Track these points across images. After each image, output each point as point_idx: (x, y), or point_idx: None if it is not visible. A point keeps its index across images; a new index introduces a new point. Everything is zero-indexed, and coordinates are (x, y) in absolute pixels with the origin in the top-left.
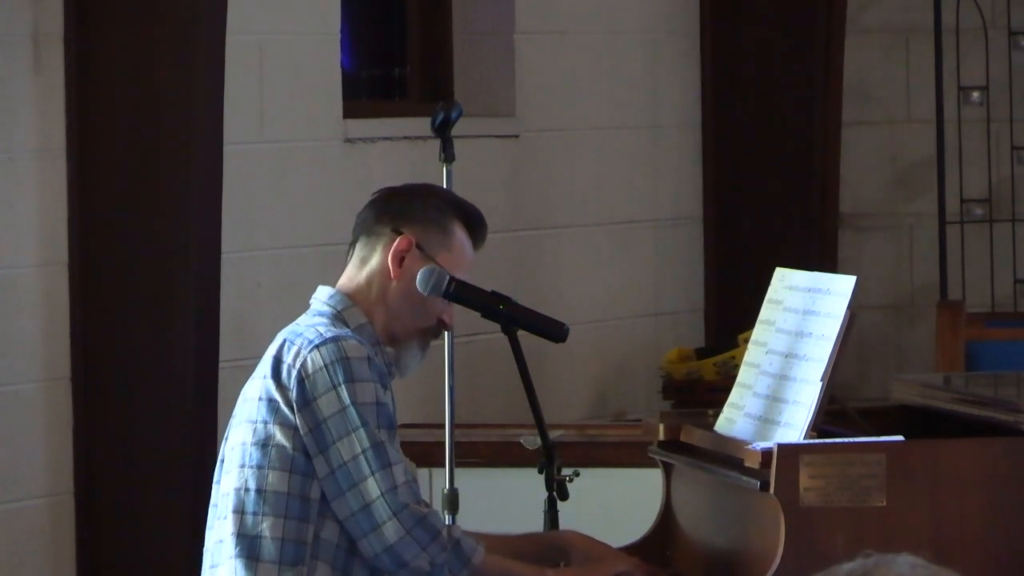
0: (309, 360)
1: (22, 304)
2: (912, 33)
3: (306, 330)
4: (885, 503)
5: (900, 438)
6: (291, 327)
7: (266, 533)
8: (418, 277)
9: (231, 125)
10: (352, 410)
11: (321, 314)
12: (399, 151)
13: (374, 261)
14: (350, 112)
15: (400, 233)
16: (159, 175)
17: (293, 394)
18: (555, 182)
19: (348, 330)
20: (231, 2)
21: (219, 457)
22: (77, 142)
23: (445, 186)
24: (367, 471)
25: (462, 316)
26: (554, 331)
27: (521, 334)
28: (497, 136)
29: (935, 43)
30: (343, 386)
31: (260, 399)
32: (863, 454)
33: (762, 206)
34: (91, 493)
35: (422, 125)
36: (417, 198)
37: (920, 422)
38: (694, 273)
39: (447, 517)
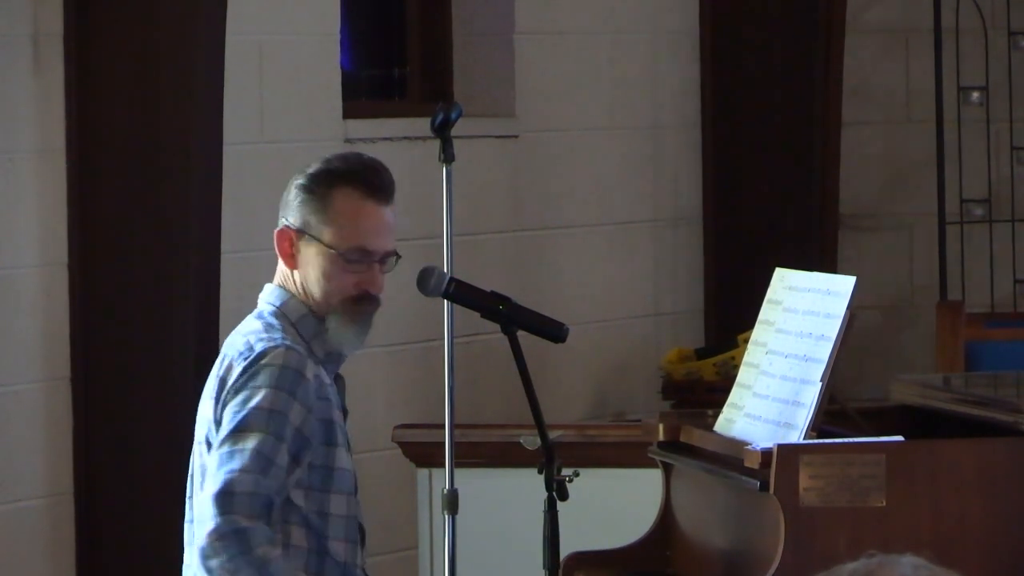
0: (235, 370)
1: (22, 304)
2: (912, 33)
3: (239, 340)
4: (885, 503)
5: (900, 438)
6: (230, 337)
7: None
8: (417, 277)
9: (231, 125)
10: (241, 414)
11: (260, 316)
12: (399, 151)
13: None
14: (350, 112)
15: (283, 223)
16: (159, 175)
17: (220, 402)
18: (555, 182)
19: (279, 335)
20: (231, 2)
21: (189, 471)
22: (77, 142)
23: (444, 187)
24: (216, 467)
25: (462, 316)
26: (554, 331)
27: (521, 334)
28: (497, 136)
29: (935, 43)
30: (246, 390)
31: (207, 419)
32: (863, 454)
33: (762, 206)
34: (91, 493)
35: (422, 125)
36: (295, 180)
37: (920, 422)
38: (694, 273)
39: (447, 518)
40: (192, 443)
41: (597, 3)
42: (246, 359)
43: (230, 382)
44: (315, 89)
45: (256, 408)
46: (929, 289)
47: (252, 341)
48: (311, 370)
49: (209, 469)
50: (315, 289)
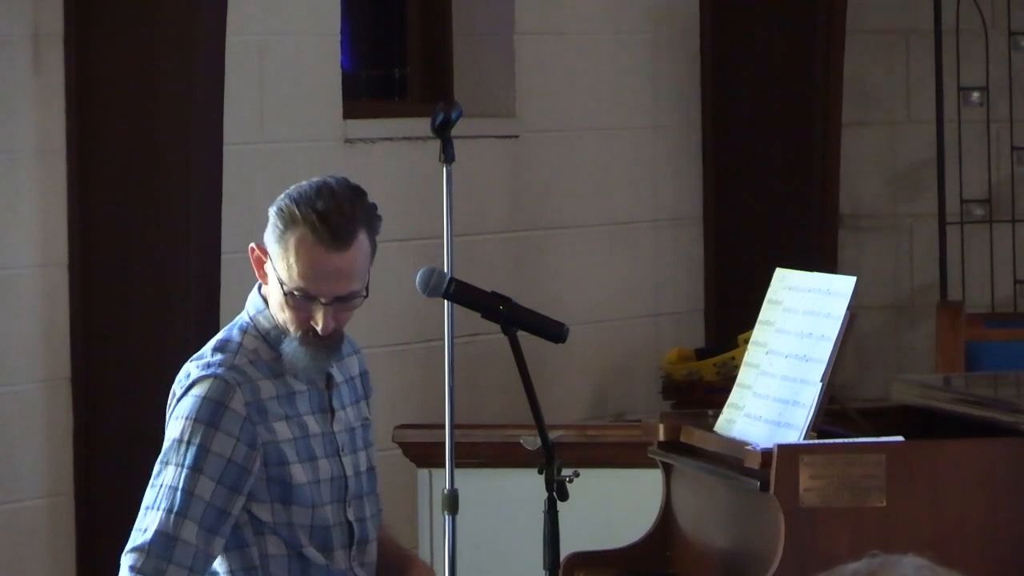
0: (175, 396)
1: (22, 304)
2: (912, 33)
3: (184, 368)
4: (885, 503)
5: (900, 439)
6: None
7: (218, 570)
8: (417, 277)
9: (231, 125)
10: (165, 447)
11: (228, 330)
12: (399, 151)
13: None
14: (350, 112)
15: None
16: (159, 175)
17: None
18: (555, 182)
19: (220, 358)
20: (231, 2)
21: None
22: (77, 142)
23: (445, 187)
24: (145, 502)
25: (463, 316)
26: (554, 331)
27: (521, 334)
28: (497, 136)
29: (935, 43)
30: (171, 423)
31: None
32: (863, 454)
33: (762, 206)
34: (91, 493)
35: (422, 125)
36: (276, 202)
37: (920, 422)
38: (694, 273)
39: (447, 518)
40: None
41: (597, 3)
42: (181, 386)
43: (169, 409)
44: (315, 89)
45: (174, 440)
46: (929, 289)
47: (191, 368)
48: (241, 399)
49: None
50: (275, 311)
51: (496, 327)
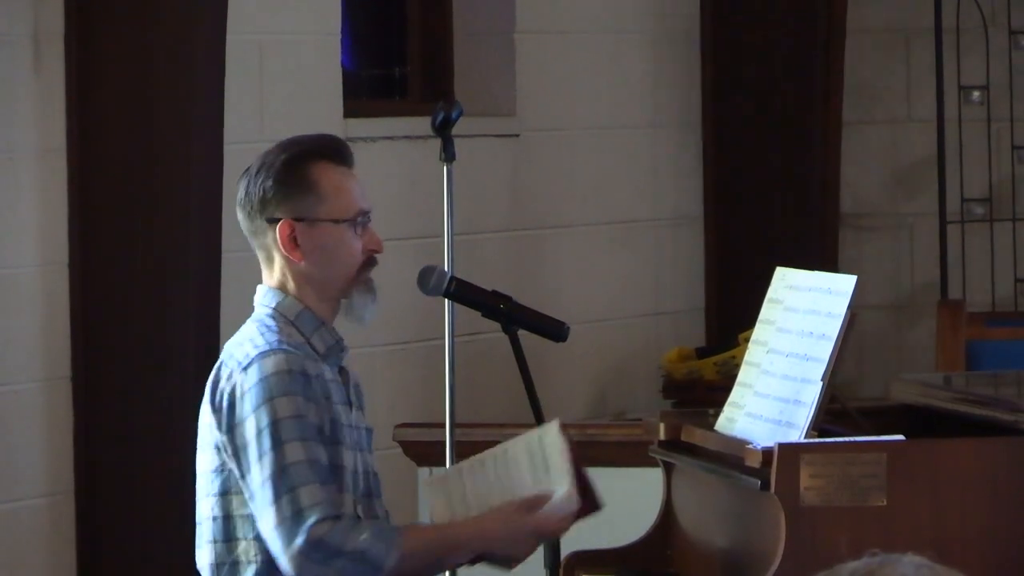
0: (237, 383)
1: (22, 304)
2: (912, 33)
3: (237, 349)
4: (885, 503)
5: (900, 438)
6: (229, 345)
7: (241, 558)
8: (418, 276)
9: (231, 125)
10: (266, 433)
11: (257, 319)
12: (399, 150)
13: (276, 256)
14: (350, 112)
15: (275, 220)
16: (159, 175)
17: (224, 417)
18: (555, 182)
19: (275, 338)
20: (231, 2)
21: (195, 473)
22: (77, 142)
23: (445, 186)
24: (271, 496)
25: (463, 315)
26: (554, 330)
27: (521, 334)
28: (497, 135)
29: (935, 43)
30: (263, 407)
31: (207, 424)
32: (864, 454)
33: (762, 206)
34: (91, 493)
35: (422, 125)
36: (260, 176)
37: (921, 421)
38: (694, 273)
39: None
40: (193, 443)
41: (598, 2)
42: (245, 369)
43: (237, 394)
44: (316, 88)
45: (266, 426)
46: (930, 288)
47: (249, 350)
48: (312, 368)
49: (259, 497)
50: (330, 271)
51: (496, 326)
